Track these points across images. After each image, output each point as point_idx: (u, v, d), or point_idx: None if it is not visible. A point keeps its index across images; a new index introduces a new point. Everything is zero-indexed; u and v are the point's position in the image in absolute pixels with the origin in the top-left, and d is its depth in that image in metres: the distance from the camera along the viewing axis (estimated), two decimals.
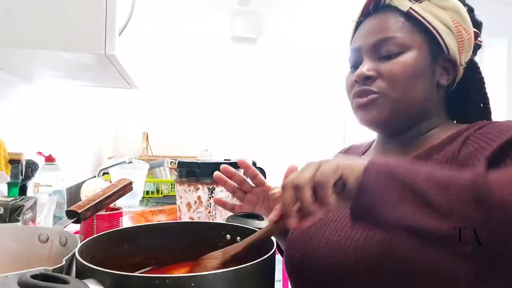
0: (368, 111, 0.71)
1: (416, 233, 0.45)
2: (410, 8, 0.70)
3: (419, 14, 0.70)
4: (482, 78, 0.76)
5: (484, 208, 0.41)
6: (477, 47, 0.76)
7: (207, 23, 2.94)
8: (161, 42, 2.81)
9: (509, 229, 0.41)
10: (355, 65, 0.74)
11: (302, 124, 3.11)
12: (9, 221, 0.75)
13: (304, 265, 0.68)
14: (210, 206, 0.96)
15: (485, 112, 0.76)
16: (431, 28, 0.69)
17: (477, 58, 0.77)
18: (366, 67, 0.71)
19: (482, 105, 0.76)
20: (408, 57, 0.69)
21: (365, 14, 0.74)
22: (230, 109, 2.99)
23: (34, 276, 0.41)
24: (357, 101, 0.72)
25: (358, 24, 0.76)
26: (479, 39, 0.76)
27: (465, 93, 0.75)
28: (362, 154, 0.85)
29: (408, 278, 0.56)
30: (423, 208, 0.44)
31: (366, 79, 0.70)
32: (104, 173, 1.90)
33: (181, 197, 0.99)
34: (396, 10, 0.71)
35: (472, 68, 0.75)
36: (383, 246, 0.57)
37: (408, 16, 0.70)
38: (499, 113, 0.74)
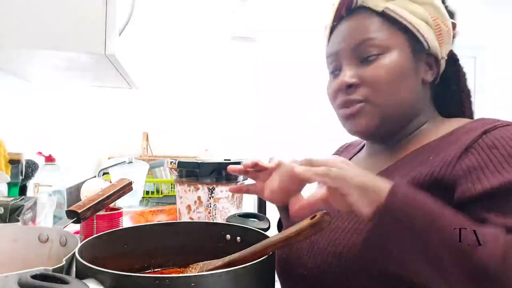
0: (356, 121, 0.68)
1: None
2: (385, 7, 0.67)
3: (395, 13, 0.67)
4: (460, 70, 0.74)
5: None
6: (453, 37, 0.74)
7: (207, 23, 2.93)
8: (161, 42, 2.81)
9: None
10: (335, 72, 0.72)
11: (303, 124, 3.10)
12: (9, 221, 0.75)
13: (289, 266, 0.68)
14: (210, 206, 0.96)
15: (464, 107, 0.74)
16: (409, 26, 0.67)
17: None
18: (348, 74, 0.67)
19: (460, 99, 0.74)
20: (390, 58, 0.66)
21: (338, 18, 0.71)
22: (230, 109, 2.99)
23: (34, 276, 0.41)
24: (343, 111, 0.69)
25: (332, 30, 0.73)
26: (456, 29, 0.73)
27: (447, 87, 0.73)
28: (355, 154, 0.84)
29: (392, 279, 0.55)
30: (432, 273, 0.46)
31: (349, 87, 0.67)
32: (104, 173, 1.90)
33: (181, 197, 0.99)
34: (371, 11, 0.68)
35: (451, 60, 0.73)
36: (363, 250, 0.57)
37: (384, 16, 0.67)
38: None
